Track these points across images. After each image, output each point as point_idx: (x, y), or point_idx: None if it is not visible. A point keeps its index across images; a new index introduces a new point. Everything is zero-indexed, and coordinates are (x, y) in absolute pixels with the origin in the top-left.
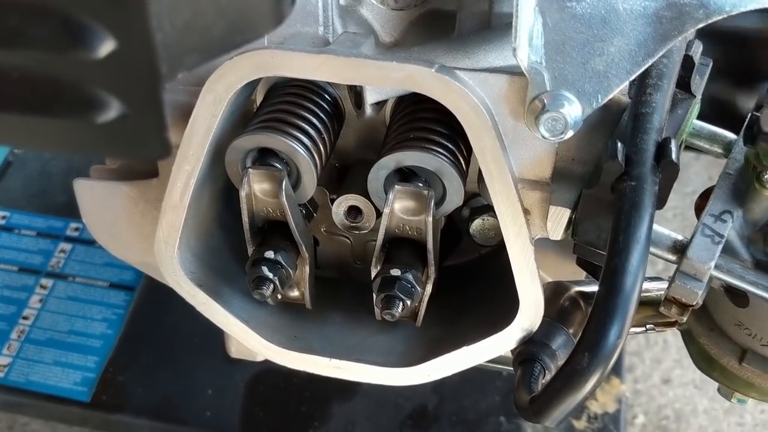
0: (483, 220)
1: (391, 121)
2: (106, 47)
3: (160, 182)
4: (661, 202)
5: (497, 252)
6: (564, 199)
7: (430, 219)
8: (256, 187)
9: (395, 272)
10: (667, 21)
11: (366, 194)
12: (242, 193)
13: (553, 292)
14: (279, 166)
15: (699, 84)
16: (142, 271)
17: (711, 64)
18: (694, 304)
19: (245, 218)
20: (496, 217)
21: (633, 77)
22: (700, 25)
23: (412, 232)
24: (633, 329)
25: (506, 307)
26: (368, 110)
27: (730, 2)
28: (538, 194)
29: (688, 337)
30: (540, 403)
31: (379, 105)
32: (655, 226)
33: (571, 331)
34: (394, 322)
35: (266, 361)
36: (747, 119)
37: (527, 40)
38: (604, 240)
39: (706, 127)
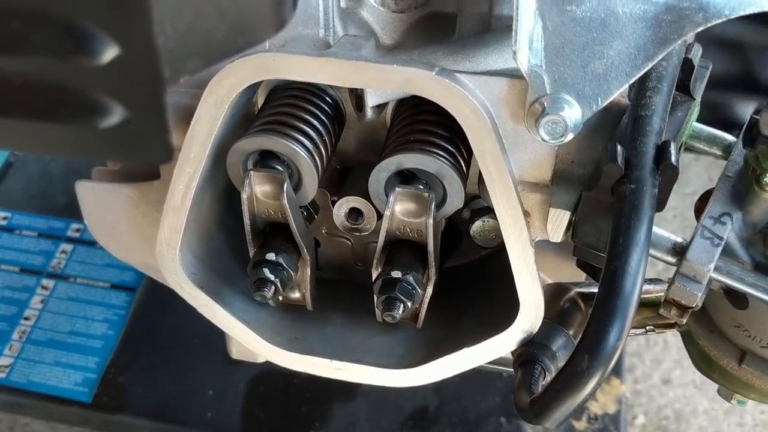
0: (483, 221)
1: (392, 123)
2: (110, 53)
3: (161, 184)
4: (660, 204)
5: (497, 253)
6: (564, 201)
7: (431, 221)
8: (257, 189)
9: (396, 274)
10: (667, 24)
11: (367, 196)
12: (244, 195)
13: (553, 294)
14: (280, 169)
15: (698, 87)
16: (143, 272)
17: (710, 67)
18: (693, 306)
19: (247, 220)
20: (497, 219)
21: (633, 80)
22: (700, 29)
23: (412, 233)
24: (633, 331)
25: (506, 308)
26: (369, 113)
27: (729, 6)
28: (538, 196)
29: (688, 339)
30: (540, 404)
31: (380, 107)
32: (655, 228)
33: (571, 332)
34: (394, 323)
35: (267, 362)
36: (746, 122)
37: (527, 44)
38: (603, 242)
39: (705, 130)
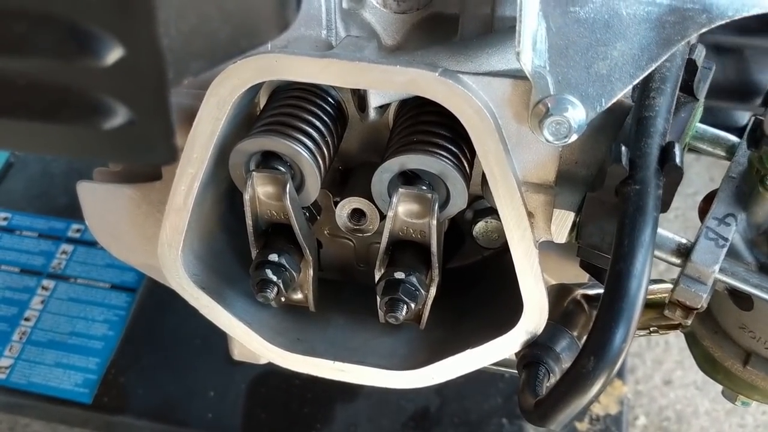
0: (486, 222)
1: (395, 124)
2: (114, 54)
3: (163, 185)
4: (665, 205)
5: (500, 254)
6: (568, 202)
7: (434, 222)
8: (259, 190)
9: (399, 275)
10: (670, 26)
11: (369, 197)
12: (246, 196)
13: (557, 295)
14: (283, 170)
15: (702, 87)
16: (145, 273)
17: (713, 68)
18: (698, 307)
19: (249, 221)
20: (500, 220)
21: (636, 81)
22: (703, 30)
23: (415, 234)
24: (636, 332)
25: (510, 309)
26: (371, 113)
27: (732, 7)
28: (542, 197)
29: (692, 340)
30: (545, 406)
31: (383, 108)
32: (659, 230)
33: (575, 333)
34: (397, 324)
35: (268, 363)
36: (751, 123)
37: (531, 45)
38: (608, 243)
39: (708, 130)
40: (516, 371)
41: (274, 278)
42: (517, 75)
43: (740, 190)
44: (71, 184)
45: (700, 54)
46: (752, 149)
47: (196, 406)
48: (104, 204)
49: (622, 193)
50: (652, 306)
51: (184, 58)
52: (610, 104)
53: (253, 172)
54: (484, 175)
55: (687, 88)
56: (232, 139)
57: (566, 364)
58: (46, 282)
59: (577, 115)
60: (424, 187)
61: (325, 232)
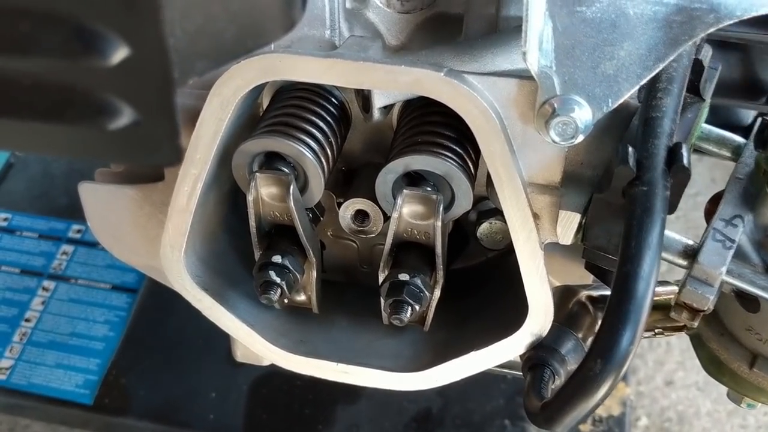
0: (490, 223)
1: (399, 124)
2: (120, 54)
3: (165, 186)
4: (672, 206)
5: (504, 255)
6: (574, 203)
7: (439, 223)
8: (263, 191)
9: (403, 277)
10: (678, 25)
11: (373, 198)
12: (249, 198)
13: (561, 297)
14: (286, 171)
15: (708, 88)
16: (147, 274)
17: (720, 68)
18: (705, 309)
19: (252, 222)
20: (504, 221)
21: (643, 82)
22: (711, 30)
23: (420, 236)
24: None
25: (515, 311)
26: (376, 114)
27: (741, 7)
28: (548, 198)
29: (698, 342)
30: (552, 409)
31: (387, 109)
32: (666, 231)
33: (579, 335)
34: (401, 326)
35: (270, 364)
36: (758, 123)
37: (537, 45)
38: (614, 244)
39: (714, 131)
40: (520, 373)
41: (278, 280)
42: (523, 75)
43: (747, 191)
44: (72, 184)
45: (707, 54)
46: (759, 150)
47: (198, 408)
48: (106, 205)
49: (629, 194)
50: (658, 308)
51: (189, 57)
52: (617, 105)
53: (257, 173)
54: (489, 176)
55: (693, 89)
56: (235, 140)
57: (571, 366)
58: (46, 283)
59: (584, 115)
60: (429, 188)
61: (329, 233)
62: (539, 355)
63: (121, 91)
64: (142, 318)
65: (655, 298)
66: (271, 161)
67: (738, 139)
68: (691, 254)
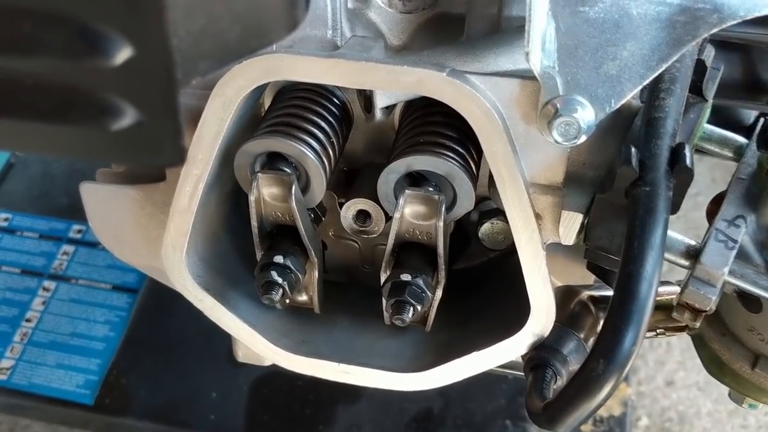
0: (492, 223)
1: (401, 125)
2: (123, 54)
3: (167, 186)
4: (674, 207)
5: (506, 256)
6: (576, 203)
7: (441, 224)
8: (265, 191)
9: (405, 277)
10: (681, 26)
11: (375, 198)
12: (251, 198)
13: (563, 297)
14: (288, 171)
15: (711, 88)
16: (148, 274)
17: (722, 68)
18: (707, 309)
19: (254, 223)
20: (506, 221)
21: (646, 82)
22: (714, 30)
23: (422, 236)
24: None
25: (517, 311)
26: (378, 114)
27: (744, 7)
28: (550, 199)
29: (699, 342)
30: (554, 410)
31: (389, 109)
32: (668, 231)
33: (581, 335)
34: (403, 326)
35: (271, 365)
36: (761, 124)
37: (540, 45)
38: (616, 245)
39: (716, 131)
40: (521, 373)
41: (279, 280)
42: (526, 75)
43: (749, 191)
44: (72, 184)
45: (709, 54)
46: (762, 150)
47: (198, 408)
48: (107, 205)
49: (632, 194)
50: (660, 308)
51: (192, 58)
52: (619, 105)
53: (259, 174)
54: (491, 176)
55: (695, 89)
56: (237, 140)
57: (573, 366)
58: (47, 283)
59: (586, 115)
60: (431, 189)
61: (330, 233)
62: (541, 356)
63: (125, 91)
64: (143, 318)
65: (658, 299)
66: (273, 161)
67: (740, 139)
68: (693, 255)
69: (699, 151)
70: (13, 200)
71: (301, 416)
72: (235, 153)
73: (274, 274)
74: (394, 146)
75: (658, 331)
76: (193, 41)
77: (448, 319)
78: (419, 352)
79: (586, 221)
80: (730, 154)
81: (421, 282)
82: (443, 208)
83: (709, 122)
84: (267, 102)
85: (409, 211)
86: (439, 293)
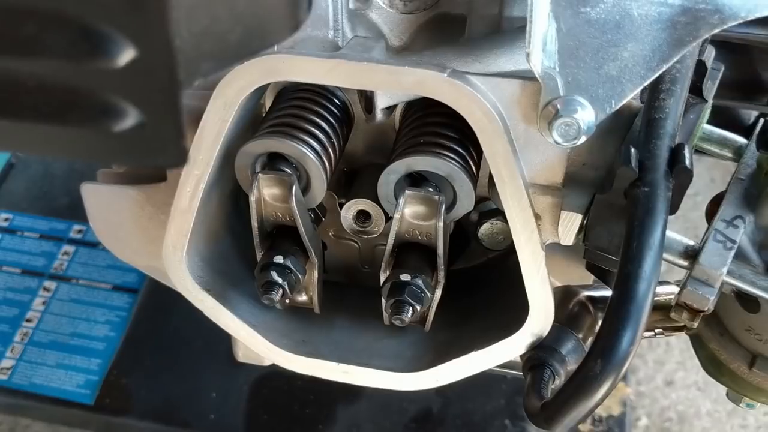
0: (492, 224)
1: (401, 125)
2: (126, 56)
3: (167, 186)
4: (674, 207)
5: (505, 256)
6: (575, 204)
7: (441, 224)
8: (265, 191)
9: (405, 277)
10: (682, 26)
11: (375, 199)
12: (252, 198)
13: (562, 297)
14: (289, 171)
15: (711, 89)
16: (149, 274)
17: (722, 69)
18: (705, 309)
19: (254, 223)
20: (505, 221)
21: (647, 83)
22: (715, 31)
23: (421, 236)
24: None
25: (516, 311)
26: (378, 115)
27: (745, 8)
28: (550, 199)
29: (697, 342)
30: (552, 409)
31: (389, 109)
32: (667, 232)
33: (580, 336)
34: (402, 326)
35: (271, 364)
36: (760, 124)
37: (541, 46)
38: (615, 245)
39: (716, 132)
40: (520, 373)
41: (279, 280)
42: (526, 76)
43: (749, 192)
44: (73, 184)
45: (710, 55)
46: (761, 151)
47: (198, 408)
48: (108, 206)
49: (631, 195)
50: (658, 308)
51: (195, 59)
52: (620, 106)
53: (259, 174)
54: (490, 177)
55: (695, 89)
56: (237, 141)
57: (572, 366)
58: (47, 283)
59: (587, 116)
60: (431, 189)
61: (330, 233)
62: (539, 356)
63: (127, 92)
64: (143, 318)
65: (656, 299)
66: (274, 162)
67: (740, 139)
68: (692, 255)
69: (698, 151)
70: (13, 200)
71: (301, 416)
72: (236, 153)
73: (274, 275)
74: (394, 147)
75: (656, 331)
76: (196, 42)
77: (448, 319)
78: (418, 352)
79: (585, 221)
80: (730, 155)
81: (420, 282)
82: (443, 209)
83: (710, 123)
84: (268, 102)
85: (409, 211)
86: (438, 293)
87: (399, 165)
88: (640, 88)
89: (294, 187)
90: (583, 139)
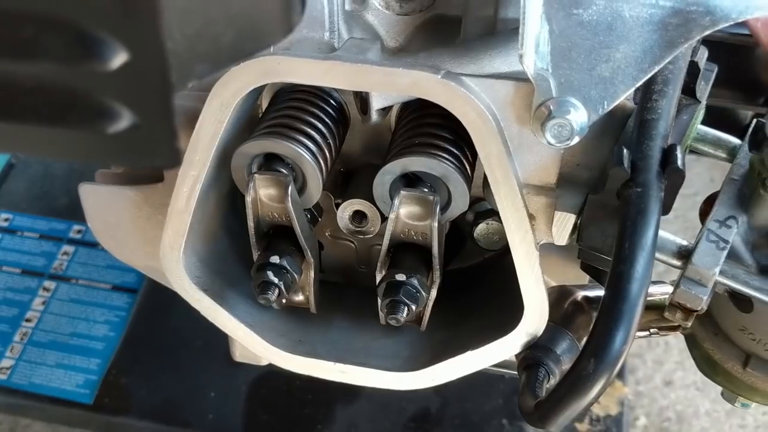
0: (487, 224)
1: (397, 126)
2: (119, 59)
3: (165, 187)
4: (666, 208)
5: (501, 256)
6: (569, 204)
7: (436, 224)
8: (261, 192)
9: (400, 277)
10: (673, 28)
11: (371, 199)
12: (248, 199)
13: (557, 297)
14: (285, 172)
15: (704, 90)
16: (147, 274)
17: (715, 70)
18: (698, 309)
19: (251, 223)
20: (501, 222)
21: (639, 84)
22: (707, 33)
23: (417, 236)
24: (636, 333)
25: (511, 311)
26: (374, 116)
27: (736, 9)
28: (543, 199)
29: (692, 342)
30: (545, 408)
31: (385, 110)
32: (660, 232)
33: (575, 335)
34: (398, 326)
35: (269, 364)
36: (752, 125)
37: (534, 47)
38: (609, 245)
39: (710, 132)
40: (516, 372)
41: (276, 280)
42: (520, 77)
43: (742, 192)
44: (72, 185)
45: (703, 56)
46: (754, 151)
47: (198, 407)
48: (106, 206)
49: (623, 195)
50: (653, 308)
51: (188, 61)
52: (612, 107)
53: (255, 175)
54: (485, 177)
55: (689, 90)
56: (234, 142)
57: (566, 365)
58: (47, 283)
59: (579, 117)
60: (426, 190)
61: (327, 234)
62: (534, 355)
63: (120, 95)
64: (142, 318)
65: (650, 299)
66: (270, 162)
67: (733, 140)
68: (685, 255)
69: (694, 152)
70: (13, 200)
71: (300, 416)
72: (233, 154)
73: (271, 275)
74: (390, 147)
75: (651, 330)
76: (189, 45)
77: (444, 319)
78: (415, 352)
79: (579, 222)
80: (724, 155)
81: (415, 282)
82: (438, 209)
83: (708, 124)
84: (264, 103)
85: (405, 211)
86: (433, 293)
87: (394, 165)
88: (633, 89)
89: (290, 188)
90: (576, 140)
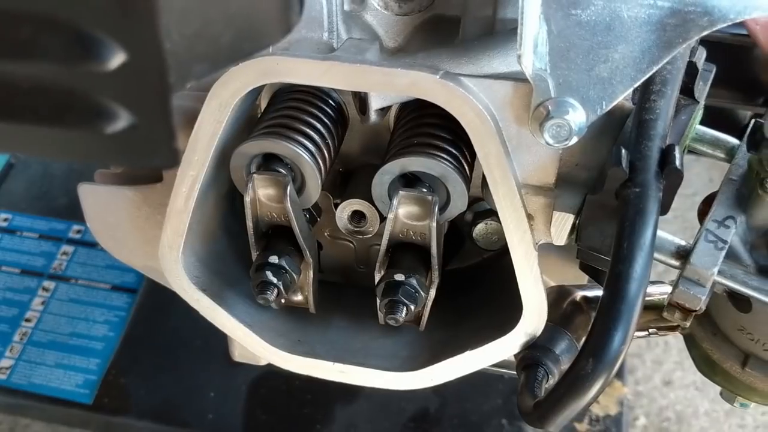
0: (486, 224)
1: (395, 126)
2: (117, 59)
3: (164, 187)
4: (664, 208)
5: (500, 256)
6: (568, 204)
7: (434, 224)
8: (260, 192)
9: (399, 277)
10: (672, 28)
11: (370, 199)
12: (247, 199)
13: (556, 297)
14: (284, 172)
15: (702, 90)
16: (146, 274)
17: (714, 70)
18: (697, 309)
19: (250, 223)
20: (499, 222)
21: (637, 84)
22: (705, 33)
23: (415, 236)
24: (635, 333)
25: (509, 311)
26: (372, 116)
27: (734, 10)
28: (542, 200)
29: (691, 342)
30: (544, 408)
31: (384, 110)
32: (659, 232)
33: (574, 335)
34: (397, 326)
35: (268, 364)
36: (751, 125)
37: (532, 48)
38: (607, 245)
39: (708, 132)
40: (515, 372)
41: (275, 280)
42: (519, 77)
43: (740, 192)
44: (72, 185)
45: (701, 56)
46: (752, 152)
47: (197, 407)
48: (105, 206)
49: (622, 195)
50: (651, 308)
51: (186, 62)
52: (610, 107)
53: (254, 175)
54: (484, 177)
55: (687, 91)
56: (233, 142)
57: (565, 365)
58: (46, 283)
59: (578, 117)
60: (425, 190)
61: (326, 234)
62: (533, 355)
63: (118, 95)
64: (142, 318)
65: (649, 299)
66: (269, 162)
67: (732, 140)
68: (683, 255)
69: (692, 152)
70: (13, 200)
71: (299, 415)
72: (232, 154)
73: (269, 275)
74: (388, 147)
75: (650, 330)
76: (187, 45)
77: (443, 319)
78: (414, 352)
79: (577, 222)
80: (723, 155)
81: (414, 282)
82: (436, 209)
83: (706, 124)
84: (263, 103)
85: (403, 211)
86: (432, 293)
87: (393, 165)
88: (631, 89)
89: (288, 188)
90: (574, 140)
